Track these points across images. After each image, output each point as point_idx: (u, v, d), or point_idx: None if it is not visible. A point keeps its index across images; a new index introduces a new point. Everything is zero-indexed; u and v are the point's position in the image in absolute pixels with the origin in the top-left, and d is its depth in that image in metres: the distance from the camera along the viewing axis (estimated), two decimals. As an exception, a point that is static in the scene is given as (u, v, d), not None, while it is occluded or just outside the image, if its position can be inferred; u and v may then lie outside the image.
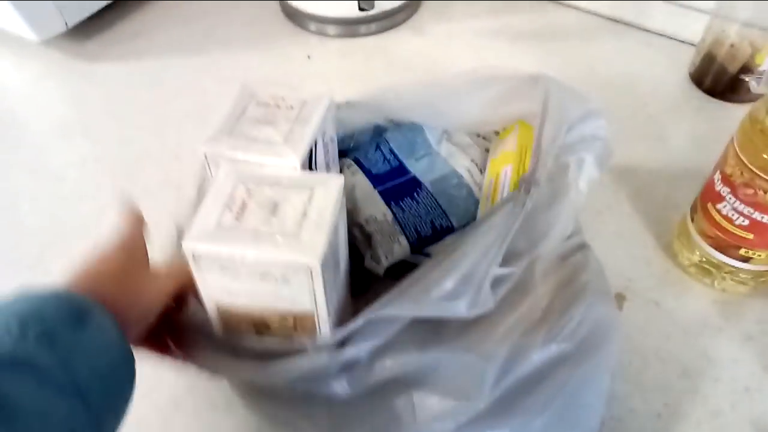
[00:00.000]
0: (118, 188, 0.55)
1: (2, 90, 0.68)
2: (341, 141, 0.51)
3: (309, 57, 0.70)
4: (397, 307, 0.34)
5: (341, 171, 0.47)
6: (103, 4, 0.73)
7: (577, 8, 0.75)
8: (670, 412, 0.40)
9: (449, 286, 0.34)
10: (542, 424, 0.35)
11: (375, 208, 0.45)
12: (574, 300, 0.39)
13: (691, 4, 0.67)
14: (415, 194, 0.46)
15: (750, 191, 0.38)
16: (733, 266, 0.44)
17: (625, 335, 0.43)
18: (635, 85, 0.65)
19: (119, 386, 0.29)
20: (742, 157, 0.38)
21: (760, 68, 0.58)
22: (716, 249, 0.43)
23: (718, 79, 0.62)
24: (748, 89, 0.61)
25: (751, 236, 0.40)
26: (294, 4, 0.74)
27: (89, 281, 0.30)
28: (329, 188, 0.32)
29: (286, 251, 0.29)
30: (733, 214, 0.41)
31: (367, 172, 0.47)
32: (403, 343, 0.36)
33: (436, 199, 0.46)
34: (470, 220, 0.47)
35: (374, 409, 0.37)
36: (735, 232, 0.41)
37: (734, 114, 0.61)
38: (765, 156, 0.37)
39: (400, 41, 0.72)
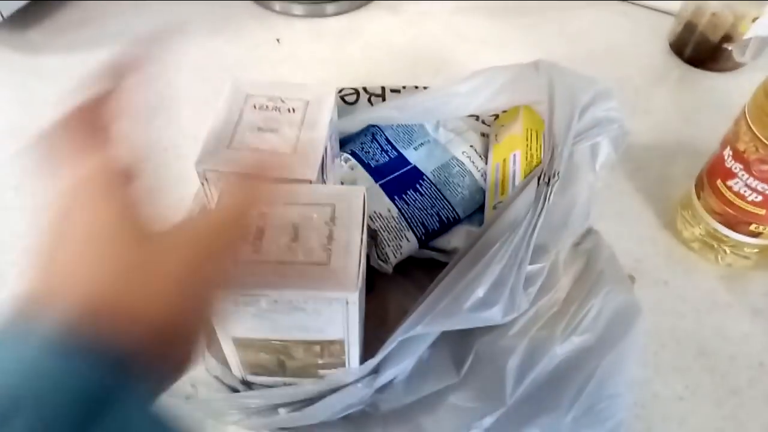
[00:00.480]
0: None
1: (-64, 91, 0.61)
2: (331, 133, 0.48)
3: (278, 41, 0.66)
4: (429, 324, 0.32)
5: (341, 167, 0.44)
6: (42, -11, 0.66)
7: (551, -21, 0.73)
8: (692, 393, 0.40)
9: (481, 294, 0.32)
10: (572, 418, 0.34)
11: (378, 203, 0.43)
12: (591, 289, 0.38)
13: (667, -27, 0.66)
14: (417, 186, 0.44)
15: (765, 167, 0.38)
16: (739, 241, 0.43)
17: (639, 318, 0.43)
18: (617, 57, 0.64)
19: None
20: (757, 132, 0.37)
21: (744, 37, 0.58)
22: (725, 225, 0.43)
23: (700, 48, 0.62)
24: (730, 58, 0.61)
25: (763, 212, 0.40)
26: (256, -18, 0.69)
27: (106, 307, 0.19)
28: (352, 204, 0.29)
29: (319, 284, 0.26)
30: (745, 191, 0.40)
31: (367, 166, 0.44)
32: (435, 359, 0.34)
33: (439, 190, 0.44)
34: (476, 209, 0.45)
35: (397, 420, 0.35)
36: (747, 208, 0.41)
37: (718, 83, 0.61)
38: (782, 130, 0.36)
39: (372, 20, 0.68)
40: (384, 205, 0.42)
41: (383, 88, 0.52)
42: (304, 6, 0.69)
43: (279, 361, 0.32)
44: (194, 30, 0.67)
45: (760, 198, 0.39)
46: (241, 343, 0.30)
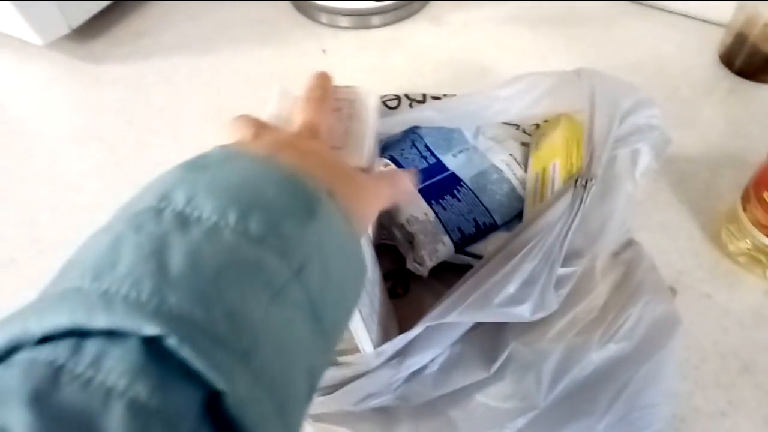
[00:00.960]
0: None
1: (9, 96, 0.65)
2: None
3: (324, 51, 0.68)
4: (459, 314, 0.32)
5: (377, 171, 0.45)
6: (105, 3, 0.71)
7: (596, -9, 0.72)
8: (735, 409, 0.39)
9: (512, 290, 0.32)
10: (605, 426, 0.33)
11: (416, 207, 0.43)
12: (630, 299, 0.38)
13: (717, -17, 0.65)
14: (455, 191, 0.44)
15: (815, 178, 0.37)
16: (789, 255, 0.42)
17: (680, 330, 0.42)
18: (664, 68, 0.63)
19: (351, 300, 0.23)
20: (806, 143, 0.36)
21: (798, 47, 0.56)
22: (773, 238, 0.42)
23: (751, 60, 0.60)
24: (783, 70, 0.59)
25: (813, 224, 0.39)
26: (304, -5, 0.72)
27: (303, 160, 0.23)
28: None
29: None
30: (794, 203, 0.39)
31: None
32: (467, 353, 0.34)
33: (477, 196, 0.44)
34: (514, 216, 0.45)
35: (429, 414, 0.35)
36: (796, 220, 0.39)
37: (766, 94, 0.60)
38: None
39: (416, 32, 0.70)
40: (421, 209, 0.43)
41: (424, 95, 0.54)
42: (350, 18, 0.71)
43: None
44: (244, 40, 0.69)
45: (809, 210, 0.38)
46: None
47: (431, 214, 0.43)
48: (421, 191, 0.44)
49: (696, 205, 0.51)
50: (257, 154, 0.22)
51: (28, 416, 0.13)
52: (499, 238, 0.44)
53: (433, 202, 0.44)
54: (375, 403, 0.33)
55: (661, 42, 0.66)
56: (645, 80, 0.61)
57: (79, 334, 0.15)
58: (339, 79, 0.64)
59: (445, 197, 0.44)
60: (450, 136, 0.47)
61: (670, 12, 0.69)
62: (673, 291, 0.40)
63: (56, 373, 0.14)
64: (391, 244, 0.46)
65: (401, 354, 0.33)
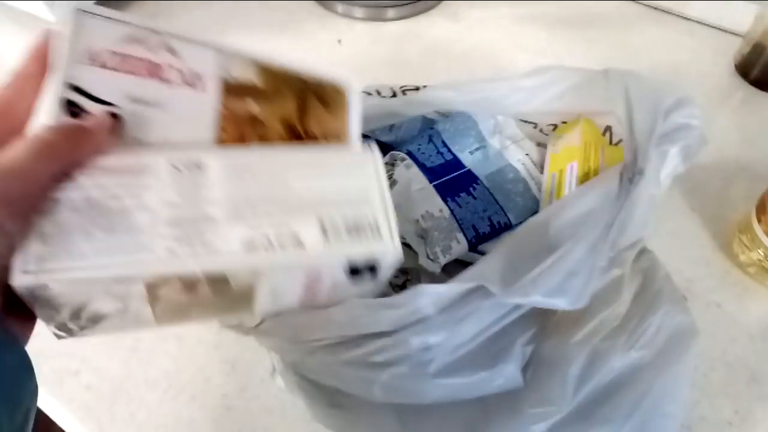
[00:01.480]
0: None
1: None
2: (387, 132, 0.49)
3: (340, 42, 0.67)
4: (505, 293, 0.31)
5: (394, 164, 0.45)
6: (120, -18, 0.70)
7: (614, -6, 0.72)
8: (741, 419, 0.39)
9: (557, 280, 0.32)
10: (626, 433, 0.33)
11: (431, 203, 0.43)
12: (650, 308, 0.38)
13: (736, -7, 0.65)
14: (471, 189, 0.44)
15: (835, 193, 0.37)
16: (802, 268, 0.42)
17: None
18: (680, 75, 0.63)
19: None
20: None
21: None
22: (787, 251, 0.42)
23: (767, 71, 0.60)
24: (799, 82, 0.59)
25: (829, 239, 0.39)
26: (320, -16, 0.71)
27: None
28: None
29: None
30: (811, 216, 0.39)
31: (422, 166, 0.45)
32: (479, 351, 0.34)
33: (492, 195, 0.44)
34: (528, 216, 0.45)
35: (447, 416, 0.35)
36: (811, 234, 0.39)
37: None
38: None
39: (432, 26, 0.69)
40: (436, 205, 0.43)
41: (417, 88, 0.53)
42: (365, 9, 0.71)
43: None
44: (259, 27, 0.69)
45: (826, 224, 0.38)
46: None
47: (446, 211, 0.43)
48: (437, 187, 0.44)
49: (708, 215, 0.51)
50: None
51: None
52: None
53: (448, 199, 0.43)
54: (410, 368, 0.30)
55: (677, 49, 0.66)
56: (660, 86, 0.61)
57: None
58: (352, 70, 0.64)
59: (461, 194, 0.44)
60: (467, 132, 0.47)
61: (687, 19, 0.69)
62: (683, 299, 0.40)
63: None
64: (403, 240, 0.45)
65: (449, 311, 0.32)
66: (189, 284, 0.27)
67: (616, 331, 0.36)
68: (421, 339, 0.29)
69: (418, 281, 0.45)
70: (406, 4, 0.70)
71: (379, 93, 0.50)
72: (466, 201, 0.43)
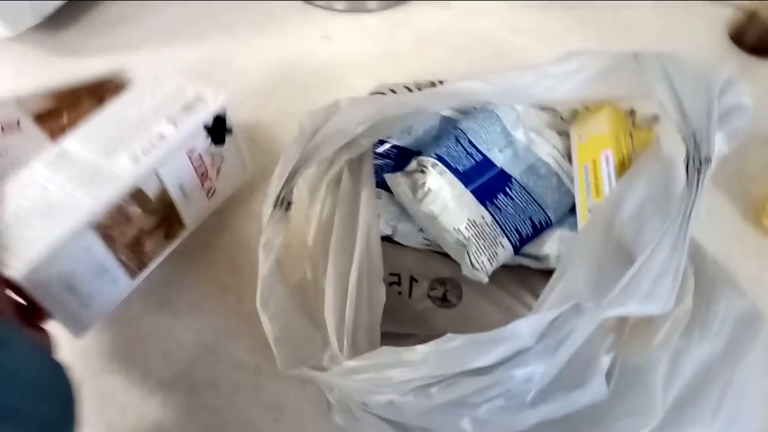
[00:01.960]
0: None
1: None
2: (405, 135, 0.46)
3: (327, 37, 0.63)
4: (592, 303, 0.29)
5: (423, 171, 0.42)
6: (76, -13, 0.64)
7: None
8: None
9: (646, 285, 0.30)
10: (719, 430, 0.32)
11: (471, 210, 0.41)
12: (712, 296, 0.37)
13: (723, -40, 0.64)
14: (507, 189, 0.42)
15: None
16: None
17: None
18: (676, 48, 0.62)
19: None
20: None
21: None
22: (826, 223, 0.42)
23: (762, 37, 0.60)
24: (795, 47, 0.59)
25: None
26: (297, -23, 0.67)
27: None
28: None
29: None
30: None
31: (455, 171, 0.42)
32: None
33: (529, 194, 0.42)
34: (565, 211, 0.43)
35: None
36: None
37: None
38: None
39: (421, 15, 0.66)
40: (478, 212, 0.41)
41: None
42: (346, 1, 0.67)
43: None
44: (238, 26, 0.64)
45: None
46: None
47: (488, 217, 0.41)
48: (475, 192, 0.41)
49: (729, 189, 0.50)
50: None
51: None
52: (556, 236, 0.42)
53: (487, 203, 0.41)
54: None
55: (670, 21, 0.65)
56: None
57: None
58: (346, 68, 0.61)
59: (498, 196, 0.42)
60: (493, 129, 0.45)
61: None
62: (736, 283, 0.40)
63: None
64: (439, 251, 0.43)
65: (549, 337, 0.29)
66: (123, 214, 0.36)
67: (689, 327, 0.34)
68: (524, 372, 0.27)
69: (459, 290, 0.43)
70: (390, -7, 0.67)
71: (393, 91, 0.47)
72: (504, 203, 0.41)
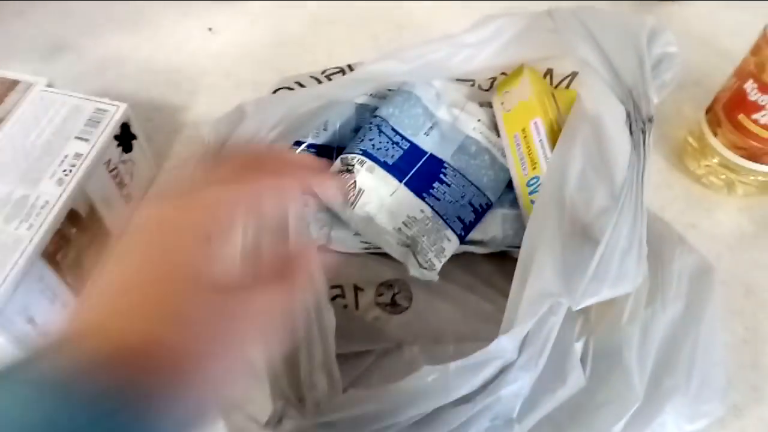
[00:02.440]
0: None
1: None
2: (321, 132, 0.42)
3: (211, 30, 0.57)
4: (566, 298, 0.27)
5: (349, 170, 0.38)
6: None
7: None
8: (753, 334, 0.40)
9: (616, 264, 0.28)
10: (693, 397, 0.32)
11: (409, 205, 0.38)
12: (664, 256, 0.36)
13: None
14: (441, 176, 0.39)
15: (800, 95, 0.37)
16: (762, 172, 0.43)
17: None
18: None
19: None
20: (787, 62, 0.36)
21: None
22: (750, 159, 0.42)
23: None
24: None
25: (793, 139, 0.40)
26: (163, -36, 0.59)
27: (144, 324, 0.18)
28: None
29: None
30: (774, 122, 0.39)
31: (384, 165, 0.38)
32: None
33: (465, 176, 0.40)
34: (503, 188, 0.41)
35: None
36: (776, 138, 0.40)
37: (672, 10, 0.61)
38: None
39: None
40: (416, 206, 0.37)
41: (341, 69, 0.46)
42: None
43: None
44: (107, 27, 0.56)
45: (791, 126, 0.39)
46: None
47: (428, 210, 0.38)
48: (409, 184, 0.38)
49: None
50: (65, 365, 0.17)
51: None
52: (498, 217, 0.40)
53: (424, 194, 0.38)
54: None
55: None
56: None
57: None
58: (239, 61, 0.55)
59: (434, 185, 0.38)
60: (413, 111, 0.41)
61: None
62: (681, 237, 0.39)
63: None
64: (380, 252, 0.40)
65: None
66: (63, 237, 0.36)
67: (650, 296, 0.34)
68: (511, 389, 0.24)
69: (408, 291, 0.40)
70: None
71: (301, 84, 0.42)
72: (441, 192, 0.38)
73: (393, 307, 0.40)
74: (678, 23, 0.59)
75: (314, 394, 0.28)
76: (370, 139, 0.39)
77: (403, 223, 0.37)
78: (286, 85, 0.42)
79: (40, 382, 0.16)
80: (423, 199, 0.38)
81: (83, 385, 0.17)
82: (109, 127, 0.39)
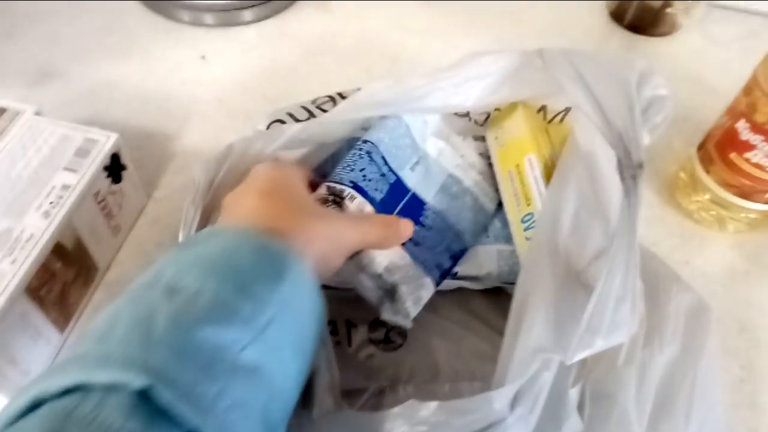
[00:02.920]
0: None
1: None
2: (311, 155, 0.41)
3: (204, 57, 0.56)
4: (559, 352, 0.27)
5: (337, 203, 0.37)
6: None
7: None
8: (749, 373, 0.40)
9: (610, 314, 0.28)
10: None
11: (392, 249, 0.36)
12: (659, 295, 0.36)
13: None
14: (421, 219, 0.38)
15: (791, 136, 0.37)
16: (753, 209, 0.43)
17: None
18: (561, 31, 0.62)
19: (310, 343, 0.27)
20: (779, 103, 0.37)
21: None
22: (741, 197, 0.43)
23: (642, 15, 0.61)
24: (671, 22, 0.61)
25: (786, 178, 0.40)
26: (156, -9, 0.59)
27: (278, 214, 0.29)
28: None
29: None
30: (766, 161, 0.39)
31: (372, 201, 0.37)
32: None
33: (445, 219, 0.39)
34: (481, 232, 0.41)
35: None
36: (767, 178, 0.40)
37: (660, 48, 0.62)
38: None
39: (303, 22, 0.61)
40: (397, 252, 0.36)
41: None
42: (215, 14, 0.60)
43: None
44: (97, 56, 0.55)
45: (785, 165, 0.39)
46: None
47: (406, 256, 0.37)
48: None
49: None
50: (237, 226, 0.28)
51: None
52: (493, 252, 0.40)
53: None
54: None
55: (556, 9, 0.65)
56: (546, 44, 0.60)
57: (88, 388, 0.19)
58: (232, 89, 0.54)
59: (415, 229, 0.37)
60: (402, 142, 0.40)
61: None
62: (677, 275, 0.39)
63: (67, 416, 0.18)
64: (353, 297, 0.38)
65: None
66: (48, 271, 0.35)
67: (648, 336, 0.33)
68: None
69: (402, 329, 0.39)
70: (262, 4, 0.61)
71: (293, 117, 0.42)
72: (422, 236, 0.37)
73: (387, 344, 0.39)
74: (666, 60, 0.60)
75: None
76: (361, 169, 0.38)
77: (386, 268, 0.36)
78: (278, 118, 0.41)
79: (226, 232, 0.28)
80: (403, 245, 0.37)
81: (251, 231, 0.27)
82: (99, 158, 0.38)
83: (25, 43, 0.56)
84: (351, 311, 0.39)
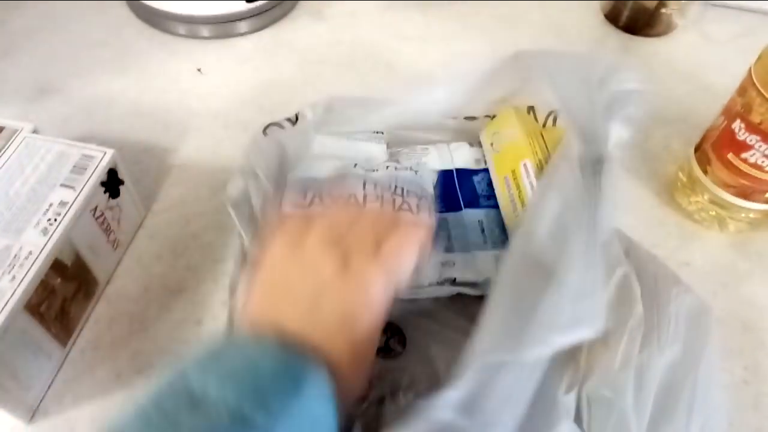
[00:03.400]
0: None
1: None
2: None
3: (200, 70, 0.57)
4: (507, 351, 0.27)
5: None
6: None
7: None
8: (753, 374, 0.39)
9: (569, 310, 0.27)
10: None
11: None
12: (660, 295, 0.36)
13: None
14: None
15: (787, 135, 0.37)
16: (749, 208, 0.43)
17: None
18: (556, 34, 0.62)
19: None
20: (774, 102, 0.37)
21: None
22: (740, 197, 0.42)
23: (637, 16, 0.61)
24: (666, 22, 0.61)
25: (783, 178, 0.40)
26: (152, 4, 0.59)
27: (306, 325, 0.28)
28: None
29: None
30: (763, 161, 0.39)
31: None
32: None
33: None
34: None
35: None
36: (765, 178, 0.40)
37: (656, 48, 0.62)
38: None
39: (298, 32, 0.61)
40: None
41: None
42: (211, 27, 0.60)
43: None
44: (94, 70, 0.56)
45: (781, 165, 0.39)
46: None
47: None
48: None
49: (639, 171, 0.50)
50: (259, 335, 0.27)
51: None
52: (490, 258, 0.40)
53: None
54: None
55: (549, 8, 0.65)
56: (542, 46, 0.60)
57: None
58: (229, 101, 0.55)
59: None
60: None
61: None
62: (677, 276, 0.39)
63: None
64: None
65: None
66: (47, 287, 0.35)
67: (646, 338, 0.33)
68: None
69: (401, 335, 0.40)
70: (257, 15, 0.61)
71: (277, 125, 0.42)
72: None
73: (386, 352, 0.39)
74: (662, 60, 0.60)
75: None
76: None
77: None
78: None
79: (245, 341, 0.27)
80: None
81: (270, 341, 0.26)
82: (96, 173, 0.39)
83: (22, 60, 0.56)
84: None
